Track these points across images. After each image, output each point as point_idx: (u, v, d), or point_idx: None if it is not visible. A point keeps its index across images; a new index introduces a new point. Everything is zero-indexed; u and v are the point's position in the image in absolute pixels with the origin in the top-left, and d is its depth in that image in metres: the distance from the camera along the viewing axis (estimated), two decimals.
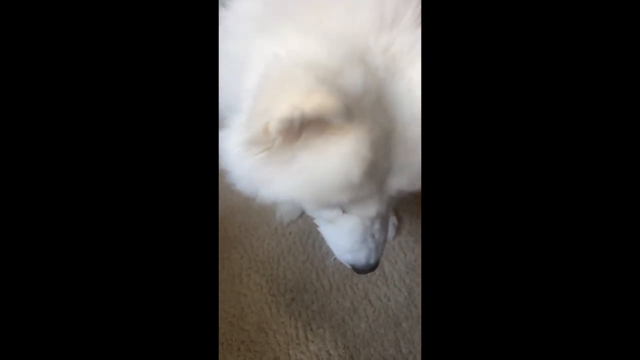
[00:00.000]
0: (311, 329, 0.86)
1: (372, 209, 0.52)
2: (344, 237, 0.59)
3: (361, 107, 0.39)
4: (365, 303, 0.90)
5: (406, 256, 0.97)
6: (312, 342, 0.84)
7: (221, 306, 0.91)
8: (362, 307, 0.89)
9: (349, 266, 0.63)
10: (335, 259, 0.66)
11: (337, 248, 0.63)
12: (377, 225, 0.58)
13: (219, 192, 0.45)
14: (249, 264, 0.99)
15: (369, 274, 0.93)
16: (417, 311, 0.88)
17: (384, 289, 0.92)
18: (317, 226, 0.66)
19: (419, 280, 0.92)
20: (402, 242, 1.00)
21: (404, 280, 0.93)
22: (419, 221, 1.03)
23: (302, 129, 0.38)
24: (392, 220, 1.01)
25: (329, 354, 0.82)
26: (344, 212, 0.56)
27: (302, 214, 1.06)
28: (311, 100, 0.34)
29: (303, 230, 1.04)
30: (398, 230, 1.01)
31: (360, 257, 0.59)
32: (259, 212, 1.07)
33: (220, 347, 0.84)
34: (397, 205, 1.03)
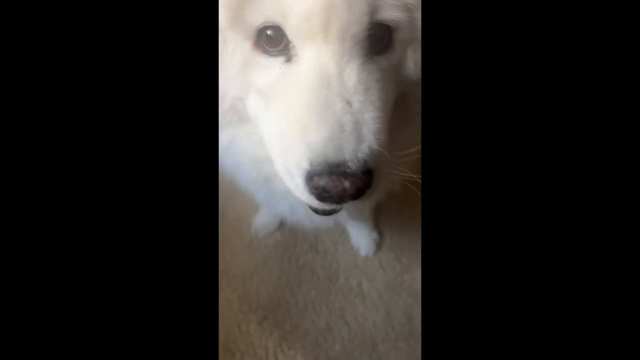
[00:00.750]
0: (282, 350, 0.81)
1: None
2: (292, 108, 0.32)
3: None
4: (341, 323, 0.85)
5: (385, 273, 0.93)
6: None
7: None
8: (337, 327, 0.84)
9: (301, 196, 0.33)
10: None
11: (281, 141, 0.33)
12: (352, 81, 0.32)
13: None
14: (220, 278, 0.93)
15: (345, 291, 0.88)
16: (395, 333, 0.83)
17: (361, 308, 0.87)
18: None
19: (398, 299, 0.88)
20: (382, 259, 0.95)
21: (382, 299, 0.88)
22: (401, 236, 1.00)
23: None
24: (373, 235, 0.96)
25: None
26: (289, 57, 0.33)
27: (280, 226, 1.02)
28: None
29: (279, 243, 0.99)
30: (378, 245, 0.97)
31: (325, 146, 0.30)
32: (232, 224, 1.02)
33: None
34: (377, 217, 0.99)
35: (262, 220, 1.01)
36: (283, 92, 0.33)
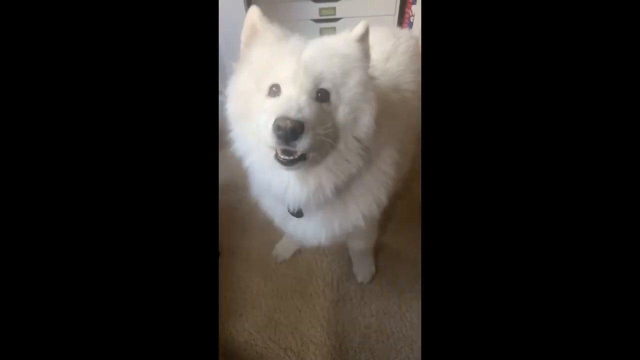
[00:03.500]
0: None
1: None
2: (274, 108, 0.61)
3: None
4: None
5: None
6: None
7: None
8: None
9: (269, 137, 0.60)
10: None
11: (266, 119, 0.60)
12: (303, 102, 0.61)
13: None
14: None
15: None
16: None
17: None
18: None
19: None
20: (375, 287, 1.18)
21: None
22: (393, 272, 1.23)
23: None
24: (372, 268, 1.21)
25: None
26: (277, 94, 0.64)
27: (296, 253, 1.26)
28: None
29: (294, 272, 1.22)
30: (373, 276, 1.20)
31: (285, 111, 0.59)
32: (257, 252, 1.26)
33: None
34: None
35: (281, 247, 1.27)
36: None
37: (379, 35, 1.05)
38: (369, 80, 0.67)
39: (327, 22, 1.76)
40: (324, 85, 0.63)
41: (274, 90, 0.64)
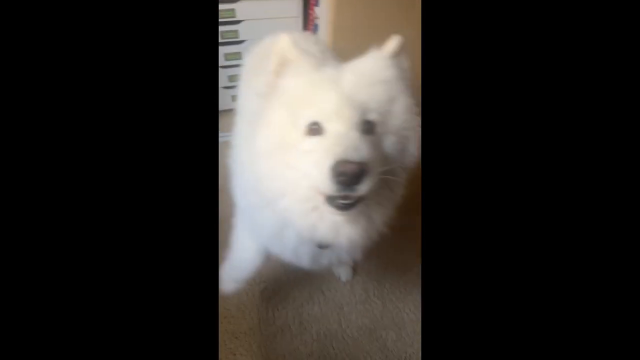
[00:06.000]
0: None
1: None
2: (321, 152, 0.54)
3: None
4: None
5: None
6: None
7: None
8: None
9: (323, 184, 0.53)
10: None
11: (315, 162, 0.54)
12: (353, 139, 0.54)
13: None
14: None
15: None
16: None
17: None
18: None
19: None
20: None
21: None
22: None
23: None
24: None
25: None
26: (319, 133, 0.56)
27: None
28: None
29: None
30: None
31: (344, 153, 0.52)
32: None
33: None
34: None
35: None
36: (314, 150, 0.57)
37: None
38: (414, 105, 0.61)
39: (227, 24, 1.62)
40: (370, 117, 0.56)
41: (314, 128, 0.56)
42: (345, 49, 0.94)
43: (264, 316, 1.09)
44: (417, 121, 0.60)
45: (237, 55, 1.66)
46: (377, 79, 0.59)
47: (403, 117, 0.60)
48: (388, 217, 0.63)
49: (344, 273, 1.21)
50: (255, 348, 1.02)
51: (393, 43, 0.62)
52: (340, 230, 0.60)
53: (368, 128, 0.56)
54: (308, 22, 1.74)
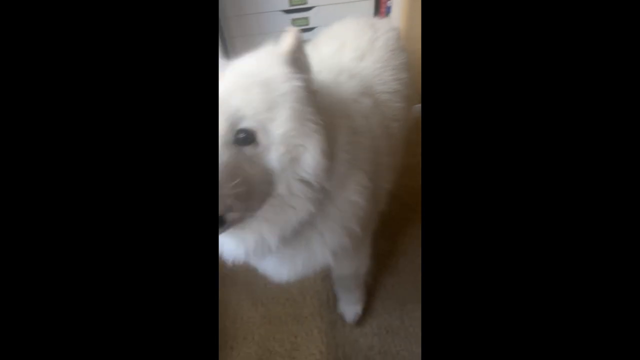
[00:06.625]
0: None
1: None
2: None
3: None
4: None
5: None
6: None
7: None
8: None
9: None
10: None
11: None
12: (226, 156, 0.48)
13: None
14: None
15: None
16: None
17: None
18: None
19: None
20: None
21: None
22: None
23: None
24: (357, 307, 1.04)
25: None
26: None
27: None
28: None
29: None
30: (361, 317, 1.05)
31: None
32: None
33: None
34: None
35: None
36: None
37: (353, 29, 0.92)
38: (305, 109, 0.52)
39: (299, 12, 1.63)
40: (246, 125, 0.49)
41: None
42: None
43: (325, 303, 1.10)
44: (313, 128, 0.52)
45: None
46: (256, 80, 0.50)
47: (290, 124, 0.50)
48: (284, 237, 0.57)
49: (347, 311, 1.04)
50: (316, 333, 1.04)
51: (289, 37, 0.53)
52: (224, 245, 0.60)
53: (245, 137, 0.49)
54: (380, 6, 1.67)
